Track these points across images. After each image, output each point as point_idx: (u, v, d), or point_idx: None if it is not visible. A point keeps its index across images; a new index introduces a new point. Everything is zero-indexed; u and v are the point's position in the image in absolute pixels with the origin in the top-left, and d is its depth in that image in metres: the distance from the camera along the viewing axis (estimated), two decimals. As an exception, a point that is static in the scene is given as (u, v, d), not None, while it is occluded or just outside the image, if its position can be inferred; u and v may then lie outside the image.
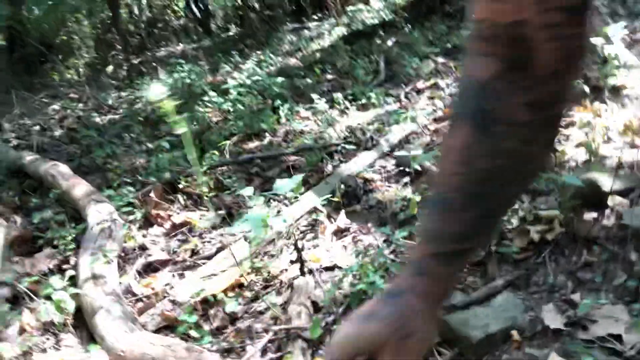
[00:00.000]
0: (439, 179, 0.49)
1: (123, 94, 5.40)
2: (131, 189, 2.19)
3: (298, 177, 1.45)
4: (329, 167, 2.18)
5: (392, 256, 1.43)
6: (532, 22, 0.41)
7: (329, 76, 4.07)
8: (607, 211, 1.38)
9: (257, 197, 1.61)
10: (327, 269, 1.48)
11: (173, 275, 1.62)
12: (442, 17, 4.86)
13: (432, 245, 0.48)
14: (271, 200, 1.83)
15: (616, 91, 2.14)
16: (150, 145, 2.76)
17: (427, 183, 1.54)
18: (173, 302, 1.48)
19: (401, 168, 2.01)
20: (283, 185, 1.40)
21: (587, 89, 2.23)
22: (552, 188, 1.51)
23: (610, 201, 1.40)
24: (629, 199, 1.40)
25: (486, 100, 0.45)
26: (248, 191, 1.52)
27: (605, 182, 1.44)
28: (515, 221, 1.39)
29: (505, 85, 0.44)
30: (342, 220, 1.74)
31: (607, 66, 2.19)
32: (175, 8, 11.11)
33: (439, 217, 0.48)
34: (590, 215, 1.37)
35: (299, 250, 1.45)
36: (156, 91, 1.83)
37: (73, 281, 1.52)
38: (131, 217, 1.95)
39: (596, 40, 2.34)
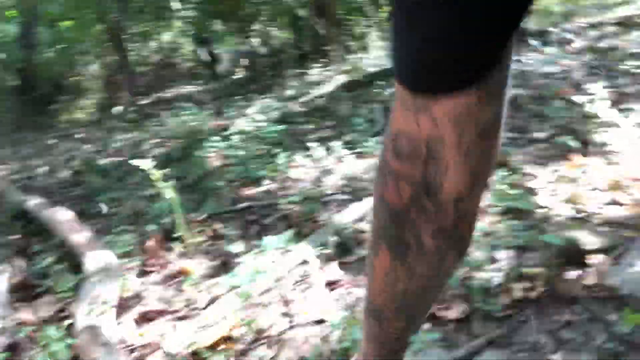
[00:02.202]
0: (370, 291, 0.58)
1: (129, 135, 5.52)
2: (131, 235, 2.24)
3: (286, 235, 1.50)
4: (324, 217, 2.24)
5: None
6: (448, 140, 0.43)
7: (328, 123, 4.19)
8: (590, 269, 1.42)
9: (247, 250, 1.67)
10: (317, 322, 1.51)
11: (167, 326, 1.65)
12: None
13: (371, 345, 0.61)
14: (265, 251, 1.87)
15: (602, 147, 2.22)
16: (151, 192, 2.82)
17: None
18: (166, 353, 1.51)
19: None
20: (271, 242, 1.45)
21: (574, 143, 2.31)
22: (536, 245, 1.56)
23: (592, 260, 1.44)
24: (610, 258, 1.45)
25: (402, 231, 0.49)
26: (237, 247, 1.57)
27: (588, 239, 1.49)
28: (498, 278, 1.44)
29: (416, 214, 0.47)
30: (333, 272, 1.78)
31: (591, 123, 2.28)
32: (184, 51, 11.47)
33: (375, 323, 0.59)
34: (572, 274, 1.41)
35: (287, 304, 1.49)
36: (145, 162, 1.92)
37: (70, 330, 1.56)
38: (129, 265, 2.00)
39: (579, 98, 2.44)
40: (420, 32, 0.40)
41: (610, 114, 2.35)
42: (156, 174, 1.80)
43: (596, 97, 2.44)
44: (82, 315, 1.57)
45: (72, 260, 2.07)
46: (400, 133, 0.46)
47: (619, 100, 2.71)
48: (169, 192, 1.73)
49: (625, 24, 4.65)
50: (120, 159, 4.39)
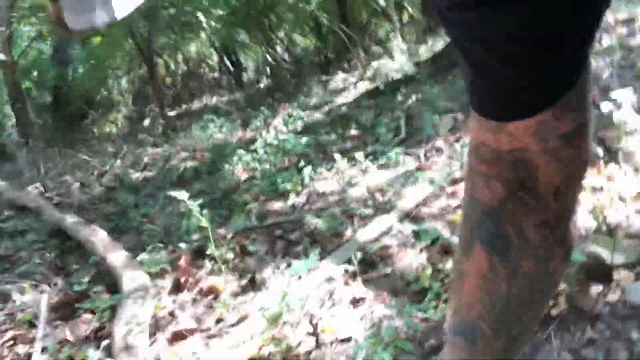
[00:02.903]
0: (458, 307, 0.48)
1: (158, 149, 5.68)
2: (163, 253, 2.33)
3: (312, 257, 1.55)
4: (348, 232, 2.28)
5: (404, 330, 1.49)
6: (532, 148, 0.42)
7: (353, 132, 4.22)
8: (613, 285, 1.42)
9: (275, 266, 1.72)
10: (343, 340, 1.55)
11: (199, 344, 1.72)
12: (462, 71, 4.98)
13: None
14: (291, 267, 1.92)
15: (629, 156, 2.18)
16: (181, 208, 2.92)
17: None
18: (198, 371, 1.57)
19: (417, 235, 2.08)
20: (300, 266, 1.50)
21: (601, 151, 2.28)
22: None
23: (615, 275, 1.44)
24: (634, 273, 1.44)
25: (499, 225, 0.44)
26: (265, 273, 1.63)
27: (611, 255, 1.49)
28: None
29: (514, 207, 0.44)
30: (358, 289, 1.82)
31: (617, 130, 2.24)
32: (210, 62, 11.71)
33: (467, 350, 0.47)
34: (595, 290, 1.41)
35: (312, 324, 1.54)
36: (181, 194, 2.00)
37: (109, 350, 1.65)
38: (162, 283, 2.08)
39: (606, 105, 2.41)
40: (496, 69, 0.40)
41: (638, 120, 2.31)
42: (192, 205, 1.90)
43: (624, 102, 2.40)
44: (120, 335, 1.66)
45: (108, 280, 2.17)
46: (482, 145, 0.45)
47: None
48: (202, 219, 1.81)
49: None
50: (151, 173, 4.54)
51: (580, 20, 0.38)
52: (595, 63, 3.90)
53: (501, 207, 0.44)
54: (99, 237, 2.49)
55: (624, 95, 2.32)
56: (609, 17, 5.25)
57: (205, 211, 2.08)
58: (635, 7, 5.25)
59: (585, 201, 1.98)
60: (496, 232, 0.45)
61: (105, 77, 9.93)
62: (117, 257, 2.21)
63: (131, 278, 1.98)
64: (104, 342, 1.66)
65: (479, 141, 0.45)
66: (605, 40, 4.53)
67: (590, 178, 2.15)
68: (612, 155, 2.26)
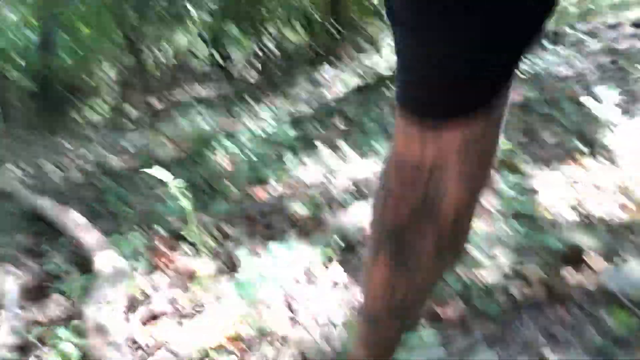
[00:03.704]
0: (366, 299, 0.59)
1: (142, 137, 5.61)
2: (139, 235, 2.30)
3: (292, 240, 1.53)
4: (329, 217, 2.27)
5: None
6: (451, 166, 0.45)
7: (339, 125, 4.21)
8: (586, 270, 1.42)
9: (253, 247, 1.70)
10: (320, 323, 1.54)
11: (173, 325, 1.69)
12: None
13: (364, 351, 0.62)
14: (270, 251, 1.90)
15: (610, 151, 2.21)
16: (160, 192, 2.88)
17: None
18: (172, 352, 1.55)
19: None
20: (277, 249, 1.49)
21: (582, 146, 2.30)
22: (534, 245, 1.57)
23: (589, 260, 1.45)
24: (608, 259, 1.45)
25: (401, 245, 0.52)
26: (243, 252, 1.61)
27: (587, 241, 1.50)
28: (496, 278, 1.45)
29: (414, 233, 0.51)
30: (337, 272, 1.81)
31: (600, 126, 2.27)
32: (198, 54, 11.61)
33: (371, 330, 0.61)
34: (569, 274, 1.42)
35: (290, 305, 1.52)
36: (161, 172, 1.96)
37: (79, 330, 1.61)
38: (137, 265, 2.04)
39: (590, 101, 2.43)
40: (433, 59, 0.40)
41: (620, 117, 2.34)
42: (172, 183, 1.86)
43: (607, 101, 2.42)
44: (91, 315, 1.62)
45: (81, 261, 2.13)
46: (403, 159, 0.47)
47: (630, 103, 2.68)
48: (183, 200, 1.78)
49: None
50: (132, 159, 4.48)
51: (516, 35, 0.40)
52: (581, 65, 3.94)
53: (404, 231, 0.51)
54: (72, 218, 2.44)
55: (605, 91, 2.35)
56: (596, 20, 5.31)
57: (182, 189, 2.04)
58: (622, 12, 5.32)
59: (563, 191, 1.99)
60: (397, 250, 0.52)
61: (91, 66, 9.78)
62: (90, 238, 2.17)
63: (104, 259, 1.94)
64: (75, 322, 1.62)
65: (401, 156, 0.47)
66: (592, 44, 4.59)
67: (570, 171, 2.17)
68: (591, 149, 2.28)
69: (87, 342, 1.52)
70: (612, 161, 2.12)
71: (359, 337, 0.63)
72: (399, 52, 0.43)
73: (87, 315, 1.64)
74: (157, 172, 2.00)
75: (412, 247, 0.52)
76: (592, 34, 4.87)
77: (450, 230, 0.51)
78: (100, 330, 1.57)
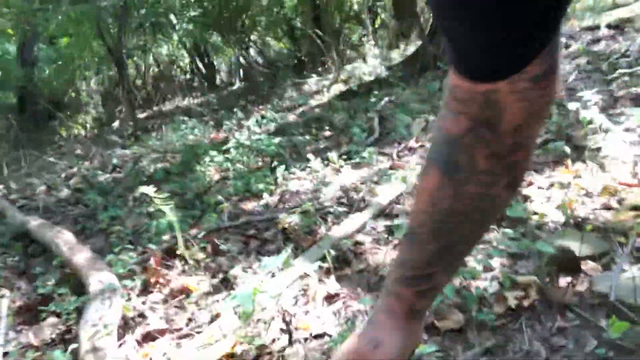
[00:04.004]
0: (411, 215, 0.57)
1: (128, 151, 5.56)
2: (132, 254, 2.27)
3: (284, 254, 1.53)
4: (322, 230, 2.27)
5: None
6: (502, 89, 0.47)
7: (326, 133, 4.23)
8: (581, 276, 1.45)
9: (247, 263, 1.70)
10: (317, 336, 1.54)
11: (170, 345, 1.67)
12: (435, 74, 5.06)
13: (398, 271, 0.56)
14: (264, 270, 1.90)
15: (595, 153, 2.25)
16: (150, 209, 2.86)
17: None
18: (169, 371, 1.53)
19: (390, 232, 2.09)
20: (270, 262, 1.48)
21: (568, 149, 2.33)
22: (530, 252, 1.59)
23: (583, 266, 1.47)
24: (602, 264, 1.47)
25: (455, 152, 0.51)
26: (237, 270, 1.60)
27: (579, 247, 1.52)
28: (493, 287, 1.46)
29: (471, 140, 0.49)
30: (332, 285, 1.81)
31: (584, 129, 2.31)
32: (181, 64, 11.55)
33: (408, 248, 0.56)
34: (564, 281, 1.44)
35: (286, 321, 1.52)
36: (149, 189, 1.96)
37: (75, 353, 1.58)
38: (131, 284, 2.02)
39: (573, 105, 2.47)
40: (473, 28, 0.43)
41: (602, 119, 2.38)
42: (160, 199, 1.85)
43: (589, 102, 2.47)
44: (86, 338, 1.60)
45: (74, 282, 2.10)
46: (457, 87, 0.49)
47: (611, 105, 2.74)
48: (170, 215, 1.77)
49: (621, 27, 4.68)
50: (120, 174, 4.43)
51: None
52: (562, 66, 4.01)
53: (460, 139, 0.50)
54: (64, 238, 2.41)
55: (590, 96, 2.39)
56: (575, 24, 5.40)
57: (172, 206, 2.03)
58: (599, 16, 5.42)
59: (554, 196, 2.02)
60: (450, 157, 0.51)
61: (73, 78, 9.67)
62: (83, 258, 2.14)
63: (98, 279, 1.92)
64: (71, 346, 1.60)
65: (454, 84, 0.49)
66: (571, 46, 4.67)
67: (559, 175, 2.21)
68: (579, 152, 2.32)
69: (84, 367, 1.50)
70: (599, 165, 2.16)
71: (395, 259, 0.58)
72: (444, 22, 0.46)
73: (82, 337, 1.62)
74: (144, 188, 1.99)
75: (466, 155, 0.50)
76: (569, 36, 4.97)
77: (509, 144, 0.49)
78: (96, 352, 1.55)
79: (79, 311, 1.85)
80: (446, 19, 0.45)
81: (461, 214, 0.52)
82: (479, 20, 0.42)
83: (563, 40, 4.92)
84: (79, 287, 2.04)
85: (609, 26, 4.86)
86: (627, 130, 2.29)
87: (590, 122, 2.35)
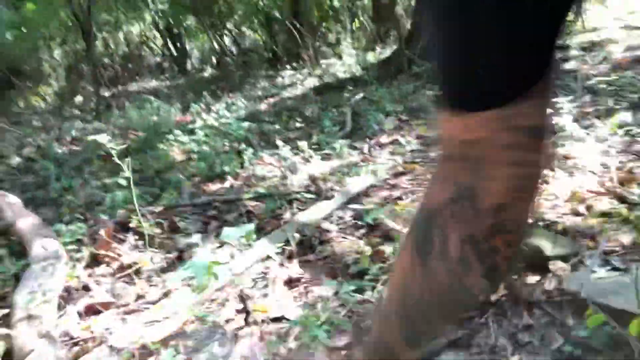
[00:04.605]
0: (388, 293, 0.54)
1: (89, 125, 5.33)
2: (82, 225, 2.13)
3: (248, 227, 1.45)
4: (287, 215, 2.19)
5: (340, 309, 1.43)
6: (491, 140, 0.42)
7: (297, 124, 4.14)
8: (550, 275, 1.42)
9: (206, 243, 1.60)
10: (275, 319, 1.46)
11: (115, 319, 1.56)
12: (409, 77, 5.07)
13: (371, 351, 0.55)
14: (223, 246, 1.80)
15: (564, 160, 2.26)
16: (107, 181, 2.70)
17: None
18: (111, 347, 1.41)
19: (357, 220, 2.03)
20: (231, 233, 1.39)
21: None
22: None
23: (552, 266, 1.45)
24: (570, 265, 1.46)
25: (430, 230, 0.46)
26: (196, 238, 1.50)
27: (549, 247, 1.50)
28: (461, 281, 1.42)
29: (449, 214, 0.45)
30: (294, 269, 1.73)
31: (556, 137, 2.32)
32: (153, 45, 11.22)
33: (381, 326, 0.55)
34: (533, 279, 1.41)
35: (243, 300, 1.43)
36: (103, 137, 1.84)
37: (7, 320, 1.45)
38: (78, 255, 1.89)
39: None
40: (458, 62, 0.41)
41: (573, 129, 2.41)
42: (115, 150, 1.72)
43: (561, 113, 2.49)
44: (21, 304, 1.47)
45: (16, 247, 1.95)
46: (445, 137, 0.45)
47: (581, 117, 2.78)
48: (127, 172, 1.64)
49: (589, 49, 4.82)
50: (78, 148, 4.22)
51: (546, 20, 0.41)
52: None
53: (439, 212, 0.46)
54: (7, 201, 2.23)
55: (562, 102, 2.41)
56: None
57: (129, 169, 1.90)
58: (570, 38, 5.59)
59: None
60: (425, 237, 0.47)
61: (36, 47, 9.21)
62: (27, 223, 1.98)
63: (42, 246, 1.78)
64: (2, 311, 1.46)
65: (443, 134, 0.45)
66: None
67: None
68: (549, 160, 2.33)
69: (14, 333, 1.36)
70: (567, 171, 2.17)
71: (368, 338, 0.58)
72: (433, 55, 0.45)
73: (17, 304, 1.48)
74: (98, 136, 1.86)
75: (439, 235, 0.45)
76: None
77: (486, 229, 0.44)
78: (31, 320, 1.41)
79: (18, 279, 1.71)
80: (445, 37, 0.42)
81: (430, 302, 0.49)
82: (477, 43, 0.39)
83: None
84: (21, 253, 1.89)
85: (579, 47, 5.00)
86: (597, 140, 2.32)
87: (561, 130, 2.36)
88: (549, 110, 0.44)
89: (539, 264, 1.44)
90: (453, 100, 0.43)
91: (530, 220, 0.49)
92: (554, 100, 0.45)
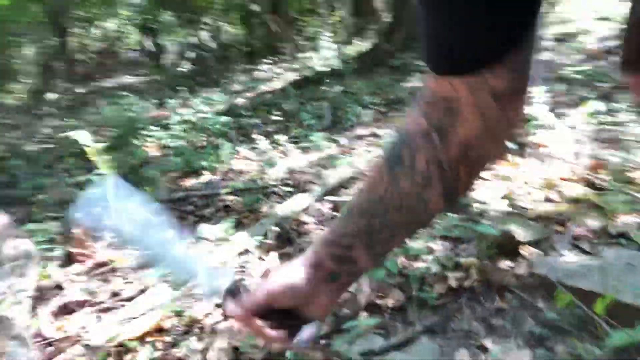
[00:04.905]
0: (353, 197, 0.58)
1: (61, 122, 5.22)
2: (55, 224, 2.09)
3: (225, 225, 1.44)
4: (265, 208, 2.18)
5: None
6: (464, 97, 0.48)
7: (276, 118, 4.13)
8: (521, 260, 1.45)
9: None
10: (252, 312, 1.45)
11: (90, 318, 1.53)
12: (387, 70, 5.08)
13: (324, 234, 0.58)
14: (201, 241, 1.79)
15: (537, 148, 2.30)
16: (81, 179, 2.66)
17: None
18: (87, 346, 1.40)
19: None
20: (208, 230, 1.38)
21: (512, 144, 2.37)
22: (472, 236, 1.58)
23: (523, 251, 1.47)
24: (541, 249, 1.48)
25: (401, 147, 0.53)
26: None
27: (520, 232, 1.53)
28: (435, 268, 1.44)
29: (421, 140, 0.51)
30: (273, 262, 1.73)
31: (528, 125, 2.36)
32: (128, 41, 11.03)
33: (339, 219, 0.58)
34: (505, 264, 1.44)
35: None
36: (82, 135, 1.80)
37: (-24, 322, 1.41)
38: (51, 254, 1.85)
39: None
40: (438, 25, 0.45)
41: (546, 117, 2.44)
42: (92, 147, 1.69)
43: (535, 102, 2.52)
44: (-8, 304, 1.43)
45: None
46: (426, 88, 0.51)
47: (554, 106, 2.83)
48: (103, 166, 1.62)
49: (564, 40, 4.90)
50: (50, 146, 4.13)
51: None
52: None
53: (412, 137, 0.52)
54: (-22, 201, 2.18)
55: (537, 92, 2.44)
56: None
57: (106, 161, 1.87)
58: (546, 28, 5.67)
59: (496, 187, 2.04)
60: (395, 151, 0.53)
61: (7, 43, 8.98)
62: (-2, 222, 1.93)
63: (12, 245, 1.73)
64: (-28, 313, 1.42)
65: (425, 85, 0.51)
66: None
67: (502, 168, 2.24)
68: (521, 147, 2.37)
69: (-14, 338, 1.34)
70: (539, 158, 2.21)
71: (329, 227, 0.59)
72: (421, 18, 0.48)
73: (-12, 307, 1.45)
74: (76, 133, 1.82)
75: (409, 152, 0.52)
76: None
77: (454, 155, 0.50)
78: (2, 322, 1.38)
79: (-12, 280, 1.67)
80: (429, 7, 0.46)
81: (391, 205, 0.54)
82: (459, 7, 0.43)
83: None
84: (-10, 255, 1.84)
85: (553, 38, 5.07)
86: (569, 128, 2.36)
87: (534, 119, 2.40)
88: (525, 73, 0.49)
89: (511, 249, 1.46)
90: (434, 63, 0.48)
91: (493, 157, 0.55)
92: (531, 63, 0.49)
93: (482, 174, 0.55)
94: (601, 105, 2.63)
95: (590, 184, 1.90)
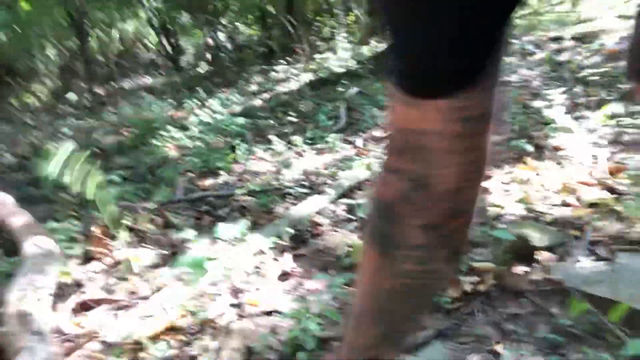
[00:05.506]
0: (357, 296, 0.54)
1: (82, 122, 5.32)
2: (76, 222, 2.14)
3: (243, 224, 1.45)
4: (280, 209, 2.20)
5: (332, 302, 1.44)
6: (442, 130, 0.43)
7: (291, 119, 4.15)
8: (536, 265, 1.44)
9: (200, 238, 1.61)
10: (267, 313, 1.47)
11: (107, 315, 1.57)
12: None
13: (349, 353, 0.55)
14: (217, 241, 1.81)
15: (555, 152, 2.27)
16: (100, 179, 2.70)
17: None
18: (103, 343, 1.42)
19: (350, 214, 2.04)
20: (225, 230, 1.40)
21: (530, 147, 2.35)
22: (488, 241, 1.57)
23: (539, 256, 1.46)
24: (557, 255, 1.47)
25: (389, 226, 0.47)
26: (190, 234, 1.51)
27: (536, 237, 1.52)
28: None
29: (405, 208, 0.46)
30: (287, 263, 1.75)
31: (546, 128, 2.33)
32: (147, 42, 11.17)
33: (354, 328, 0.54)
34: (520, 269, 1.43)
35: (236, 296, 1.44)
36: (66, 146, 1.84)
37: (-1, 317, 1.46)
38: (71, 252, 1.89)
39: (538, 104, 2.50)
40: (411, 46, 0.42)
41: (565, 120, 2.42)
42: (77, 158, 1.73)
43: (553, 104, 2.50)
44: (13, 301, 1.47)
45: (9, 245, 1.95)
46: (394, 127, 0.46)
47: (572, 109, 2.79)
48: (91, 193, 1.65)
49: (583, 40, 4.82)
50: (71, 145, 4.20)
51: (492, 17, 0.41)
52: (528, 72, 4.09)
53: (396, 205, 0.46)
54: (0, 199, 2.23)
55: (556, 96, 2.42)
56: (541, 34, 5.54)
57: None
58: (564, 29, 5.58)
59: (513, 191, 2.03)
60: (385, 233, 0.48)
61: (30, 45, 9.17)
62: (19, 220, 1.99)
63: (34, 243, 1.78)
64: (-5, 309, 1.47)
65: (392, 124, 0.46)
66: (537, 54, 4.77)
67: (518, 171, 2.22)
68: (539, 151, 2.34)
69: (6, 330, 1.37)
70: (557, 161, 2.18)
71: (345, 339, 0.56)
72: (390, 36, 0.45)
73: (9, 301, 1.49)
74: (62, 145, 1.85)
75: (400, 229, 0.47)
76: (536, 45, 5.09)
77: (444, 211, 0.46)
78: (23, 317, 1.42)
79: (10, 275, 1.71)
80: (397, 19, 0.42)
81: (402, 292, 0.50)
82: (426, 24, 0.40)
83: (529, 47, 5.02)
84: (13, 252, 1.89)
85: (573, 38, 5.00)
86: (588, 131, 2.33)
87: (552, 121, 2.37)
88: (494, 96, 0.45)
89: (527, 254, 1.45)
90: (406, 85, 0.44)
91: (478, 199, 0.50)
92: (501, 84, 0.46)
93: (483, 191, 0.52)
94: (620, 108, 2.58)
95: (609, 189, 1.87)
